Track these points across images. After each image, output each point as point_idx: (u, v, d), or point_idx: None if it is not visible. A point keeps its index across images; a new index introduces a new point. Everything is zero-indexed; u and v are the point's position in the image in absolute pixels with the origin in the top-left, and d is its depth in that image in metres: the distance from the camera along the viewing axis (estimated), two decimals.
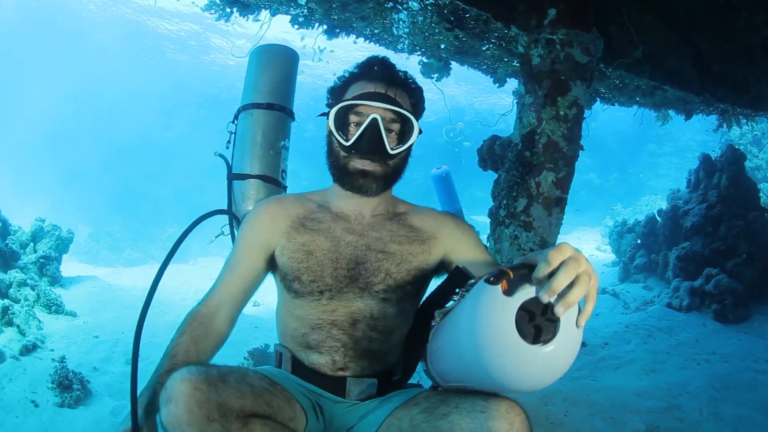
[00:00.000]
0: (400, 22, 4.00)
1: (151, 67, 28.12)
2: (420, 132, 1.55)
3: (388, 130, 1.51)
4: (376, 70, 1.55)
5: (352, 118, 1.52)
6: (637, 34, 3.57)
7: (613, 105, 5.91)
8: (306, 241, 1.57)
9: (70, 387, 4.10)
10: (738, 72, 4.08)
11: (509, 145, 3.54)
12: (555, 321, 1.00)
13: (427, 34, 4.47)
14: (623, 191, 24.35)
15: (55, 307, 6.06)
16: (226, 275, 1.59)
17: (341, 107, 1.52)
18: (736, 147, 7.26)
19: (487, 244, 3.34)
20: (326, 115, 1.59)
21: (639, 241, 8.27)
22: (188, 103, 28.87)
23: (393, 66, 1.58)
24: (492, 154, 3.77)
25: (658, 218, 8.15)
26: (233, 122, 2.19)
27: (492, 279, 1.03)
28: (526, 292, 1.01)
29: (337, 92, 1.62)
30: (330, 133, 1.57)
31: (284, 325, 1.65)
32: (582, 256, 0.99)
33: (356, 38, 4.87)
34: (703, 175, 7.35)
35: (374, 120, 1.47)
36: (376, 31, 4.68)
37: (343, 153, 1.54)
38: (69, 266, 8.37)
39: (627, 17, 3.25)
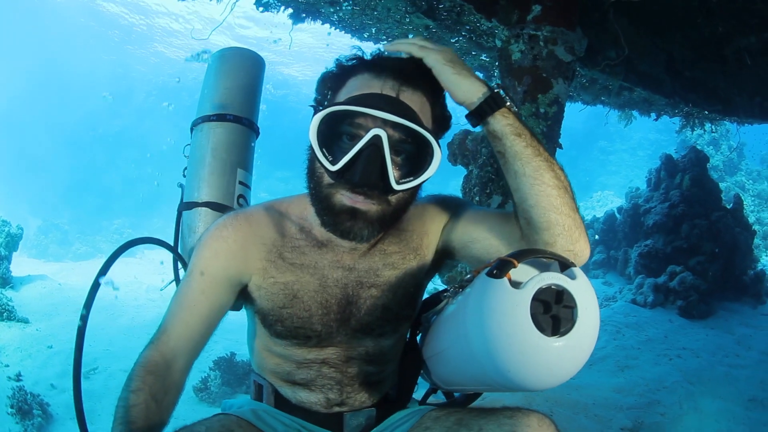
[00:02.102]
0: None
1: (99, 52, 26.94)
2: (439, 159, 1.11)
3: (396, 152, 1.09)
4: (387, 61, 1.13)
5: (346, 128, 1.09)
6: (614, 36, 3.52)
7: (575, 102, 5.94)
8: (289, 281, 1.25)
9: (31, 412, 3.91)
10: (709, 78, 4.12)
11: (483, 140, 3.45)
12: (572, 307, 0.90)
13: (398, 19, 4.33)
14: (574, 187, 25.12)
15: (6, 314, 5.88)
16: (183, 314, 1.21)
17: (328, 114, 1.07)
18: (699, 149, 7.49)
19: None
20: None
21: (597, 237, 8.44)
22: (136, 91, 27.86)
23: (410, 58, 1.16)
24: (463, 149, 3.67)
25: (618, 215, 8.33)
26: (189, 144, 1.81)
27: (495, 272, 0.93)
28: (537, 281, 0.90)
29: (330, 84, 1.18)
30: (311, 149, 1.12)
31: (261, 358, 1.38)
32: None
33: (322, 24, 4.68)
34: (664, 175, 7.55)
35: (376, 139, 1.04)
36: (345, 17, 4.50)
37: (327, 179, 1.12)
38: (18, 262, 8.39)
39: (614, 20, 3.17)
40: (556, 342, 0.89)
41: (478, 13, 3.02)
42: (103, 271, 1.35)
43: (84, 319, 1.25)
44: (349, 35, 5.06)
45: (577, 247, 1.09)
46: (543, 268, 0.98)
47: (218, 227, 1.28)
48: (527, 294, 0.89)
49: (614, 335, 5.30)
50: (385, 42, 5.07)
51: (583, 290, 0.91)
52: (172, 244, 1.75)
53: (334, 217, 1.13)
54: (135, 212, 21.45)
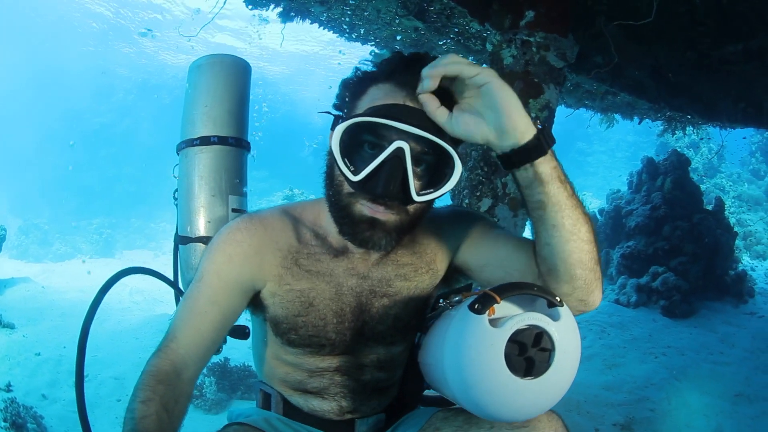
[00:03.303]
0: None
1: (80, 47, 26.48)
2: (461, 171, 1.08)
3: (416, 163, 1.08)
4: (409, 70, 1.07)
5: (368, 138, 1.07)
6: (601, 43, 3.58)
7: (560, 106, 6.02)
8: (304, 289, 1.23)
9: (25, 426, 3.75)
10: (694, 84, 4.20)
11: (472, 143, 3.48)
12: (549, 350, 0.92)
13: (388, 21, 4.35)
14: None
15: None
16: (193, 321, 1.17)
17: (352, 125, 1.04)
18: (680, 152, 7.64)
19: None
20: (333, 126, 1.15)
21: None
22: (116, 89, 27.46)
23: None
24: None
25: (599, 217, 8.46)
26: (177, 165, 1.68)
27: (477, 306, 0.93)
28: (516, 321, 0.91)
29: (352, 92, 1.15)
30: (332, 156, 1.10)
31: (270, 366, 1.37)
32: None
33: (311, 23, 4.67)
34: (646, 177, 7.70)
35: (399, 151, 1.02)
36: (334, 17, 4.50)
37: (347, 188, 1.10)
38: (0, 264, 8.28)
39: (605, 29, 3.23)
40: (526, 384, 0.90)
41: (472, 17, 3.03)
42: (97, 301, 1.29)
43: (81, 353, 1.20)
44: (336, 35, 5.08)
45: (591, 298, 1.10)
46: (529, 303, 0.98)
47: (232, 230, 1.24)
48: (504, 334, 0.89)
49: (600, 335, 5.39)
50: (373, 43, 5.11)
51: (564, 331, 0.92)
52: (167, 275, 1.68)
53: (354, 227, 1.12)
54: (112, 212, 21.21)
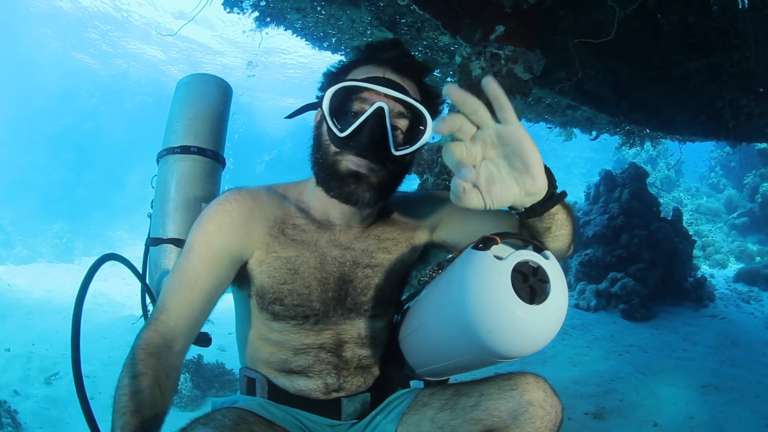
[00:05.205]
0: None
1: (45, 45, 25.80)
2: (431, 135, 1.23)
3: (394, 127, 1.21)
4: (388, 54, 1.25)
5: (352, 105, 1.21)
6: (565, 58, 3.75)
7: (520, 121, 6.18)
8: (291, 256, 1.30)
9: (0, 421, 3.67)
10: (652, 99, 4.40)
11: (439, 150, 3.59)
12: (546, 281, 1.00)
13: (361, 31, 4.43)
14: None
15: None
16: (184, 292, 1.20)
17: (341, 88, 1.18)
18: (639, 165, 7.91)
19: None
20: (314, 106, 1.30)
21: None
22: (79, 91, 26.83)
23: (410, 53, 1.29)
24: (418, 158, 3.81)
25: None
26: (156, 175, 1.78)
27: (480, 245, 1.02)
28: (517, 255, 1.00)
29: (334, 77, 1.29)
30: (321, 121, 1.26)
31: (254, 348, 1.40)
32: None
33: (285, 30, 4.74)
34: (603, 189, 7.92)
35: (380, 109, 1.16)
36: (308, 25, 4.57)
37: (333, 148, 1.22)
38: None
39: (572, 46, 3.38)
40: (532, 309, 0.97)
41: (444, 30, 3.15)
42: (81, 297, 1.27)
43: (76, 362, 1.12)
44: (310, 45, 5.15)
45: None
46: (520, 249, 1.08)
47: (221, 202, 1.30)
48: (508, 265, 0.98)
49: (562, 336, 5.50)
50: (343, 53, 5.17)
51: (554, 269, 1.01)
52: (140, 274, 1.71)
53: (340, 181, 1.22)
54: (72, 217, 20.72)
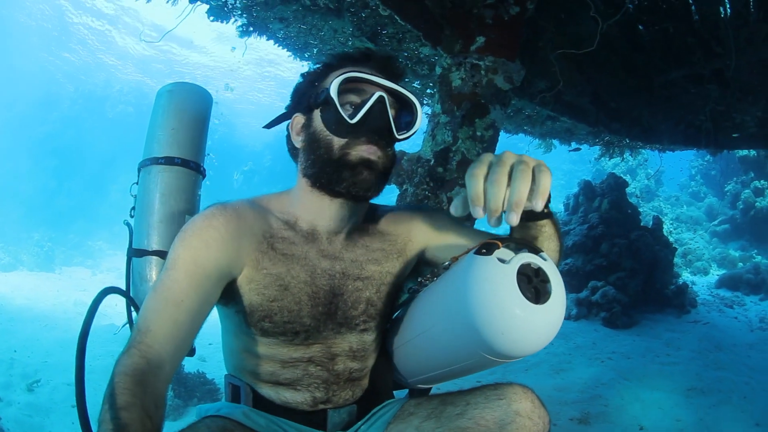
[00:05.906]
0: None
1: (26, 56, 25.58)
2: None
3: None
4: (374, 57, 1.30)
5: (350, 97, 1.24)
6: (546, 68, 3.80)
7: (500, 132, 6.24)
8: (281, 272, 1.25)
9: None
10: (633, 108, 4.47)
11: (419, 160, 3.60)
12: (547, 282, 1.03)
13: (342, 41, 4.45)
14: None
15: None
16: (170, 311, 1.09)
17: (346, 78, 1.21)
18: (618, 175, 7.99)
19: None
20: (289, 116, 1.32)
21: None
22: (62, 98, 26.60)
23: (395, 58, 1.34)
24: (398, 169, 3.82)
25: None
26: (136, 183, 1.72)
27: (484, 250, 1.04)
28: (519, 258, 1.02)
29: (314, 82, 1.31)
30: (310, 121, 1.28)
31: (239, 359, 1.36)
32: (509, 153, 1.00)
33: (267, 39, 4.74)
34: (582, 200, 7.99)
35: (381, 98, 1.20)
36: (290, 35, 4.58)
37: (338, 141, 1.22)
38: None
39: (552, 57, 3.43)
40: (538, 309, 0.99)
41: (425, 41, 3.17)
42: (85, 334, 1.08)
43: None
44: (292, 55, 5.16)
45: None
46: (520, 252, 1.11)
47: (207, 217, 1.22)
48: (513, 267, 1.00)
49: None
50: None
51: (553, 270, 1.04)
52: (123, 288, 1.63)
53: (353, 170, 1.21)
54: (53, 225, 20.49)
